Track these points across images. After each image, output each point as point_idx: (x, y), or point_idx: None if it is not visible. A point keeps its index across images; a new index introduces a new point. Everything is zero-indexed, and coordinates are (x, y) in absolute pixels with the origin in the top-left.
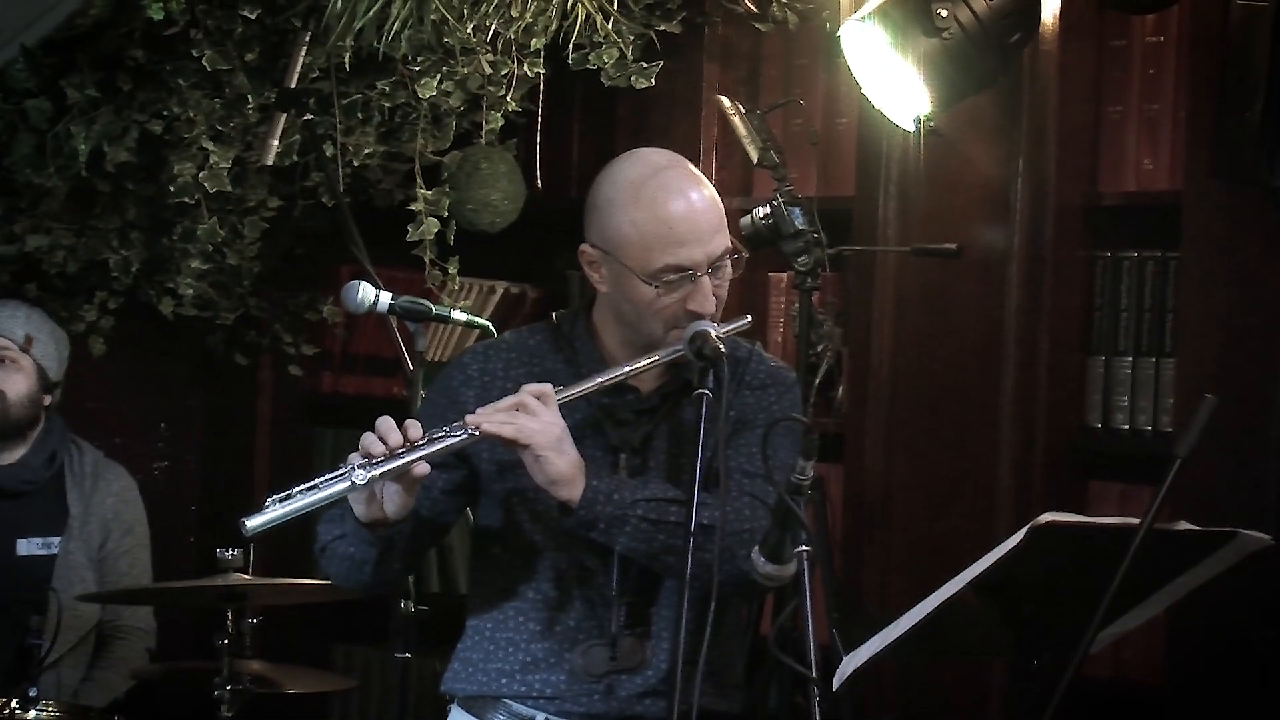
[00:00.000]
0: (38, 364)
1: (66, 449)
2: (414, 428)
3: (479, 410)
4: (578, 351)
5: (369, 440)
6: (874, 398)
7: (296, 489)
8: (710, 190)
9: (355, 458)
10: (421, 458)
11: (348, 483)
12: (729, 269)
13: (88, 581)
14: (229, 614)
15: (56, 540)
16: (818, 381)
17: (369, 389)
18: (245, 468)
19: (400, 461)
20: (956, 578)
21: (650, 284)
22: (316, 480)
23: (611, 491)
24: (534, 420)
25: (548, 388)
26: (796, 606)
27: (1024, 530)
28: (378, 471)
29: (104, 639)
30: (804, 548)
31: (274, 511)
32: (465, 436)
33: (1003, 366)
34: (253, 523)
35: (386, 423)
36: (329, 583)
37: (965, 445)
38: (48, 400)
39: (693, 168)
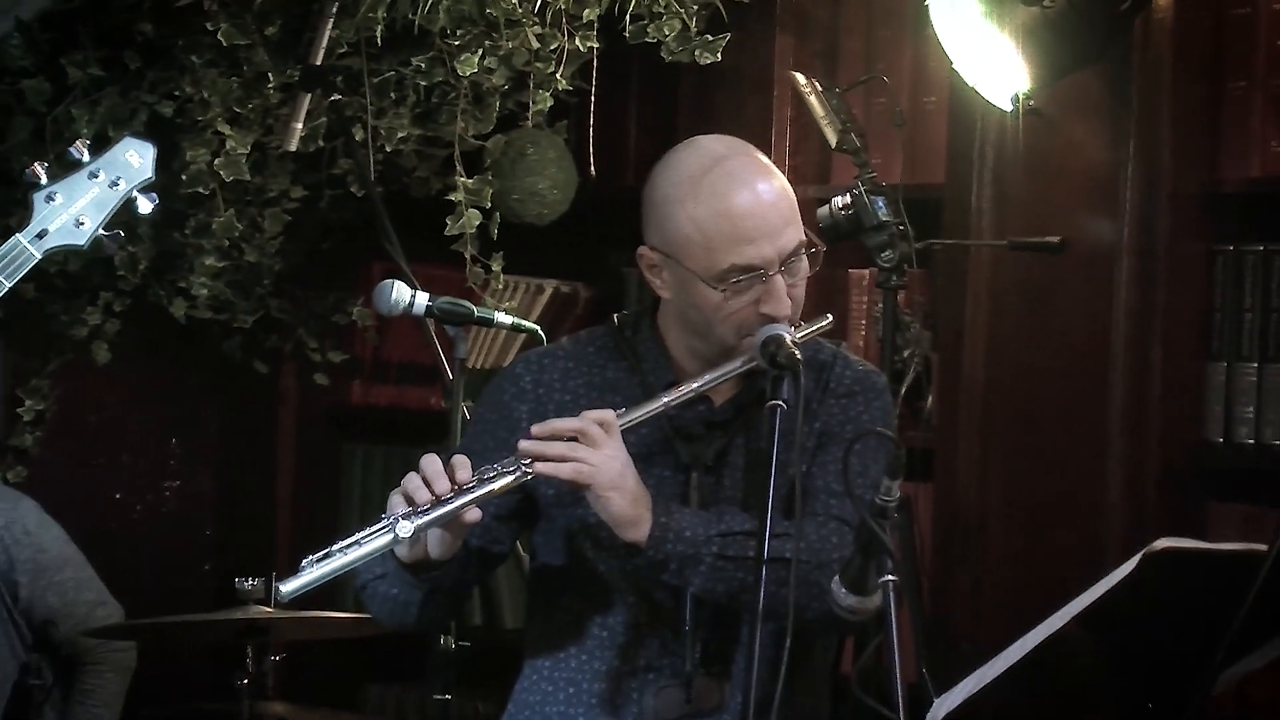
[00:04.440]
0: None
1: None
2: (463, 469)
3: (534, 439)
4: (642, 359)
5: (413, 485)
6: (967, 409)
7: (335, 546)
8: (779, 179)
9: (397, 502)
10: (470, 501)
11: (391, 535)
12: (805, 265)
13: (12, 637)
14: (249, 651)
15: None
16: (904, 391)
17: (403, 400)
18: (266, 487)
19: (448, 509)
20: (1061, 611)
21: (717, 287)
22: (357, 535)
23: (683, 529)
24: (594, 454)
25: (610, 415)
26: (881, 642)
27: (1137, 558)
28: (423, 521)
29: (73, 671)
30: (889, 577)
31: (312, 573)
32: (518, 474)
33: (1111, 374)
34: (288, 587)
35: (432, 465)
36: (360, 616)
37: (1069, 462)
38: None
39: (759, 155)
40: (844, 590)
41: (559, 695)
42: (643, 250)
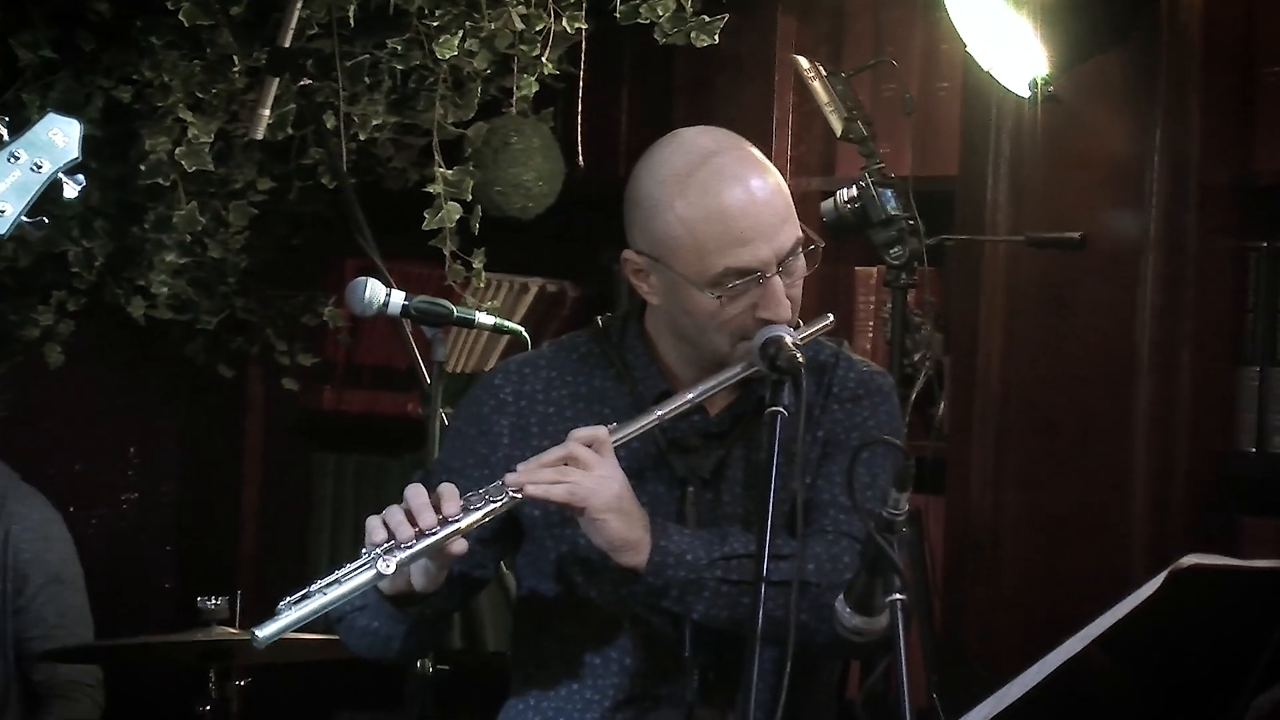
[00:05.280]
0: None
1: None
2: (450, 501)
3: (521, 468)
4: (631, 367)
5: (395, 520)
6: (981, 416)
7: (314, 586)
8: (773, 174)
9: (376, 526)
10: (457, 532)
11: (373, 572)
12: (803, 264)
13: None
14: (212, 675)
15: None
16: (914, 397)
17: (378, 406)
18: (231, 500)
19: (432, 540)
20: (1080, 633)
21: (710, 293)
22: (337, 574)
23: (684, 552)
24: (588, 476)
25: (601, 433)
26: (889, 665)
27: (1162, 576)
28: (407, 555)
29: (39, 700)
30: (898, 596)
31: (289, 616)
32: (506, 500)
33: (1136, 379)
34: (264, 633)
35: (418, 498)
36: (330, 638)
37: (1090, 474)
38: None
39: (750, 148)
40: (849, 610)
41: None
42: (627, 254)
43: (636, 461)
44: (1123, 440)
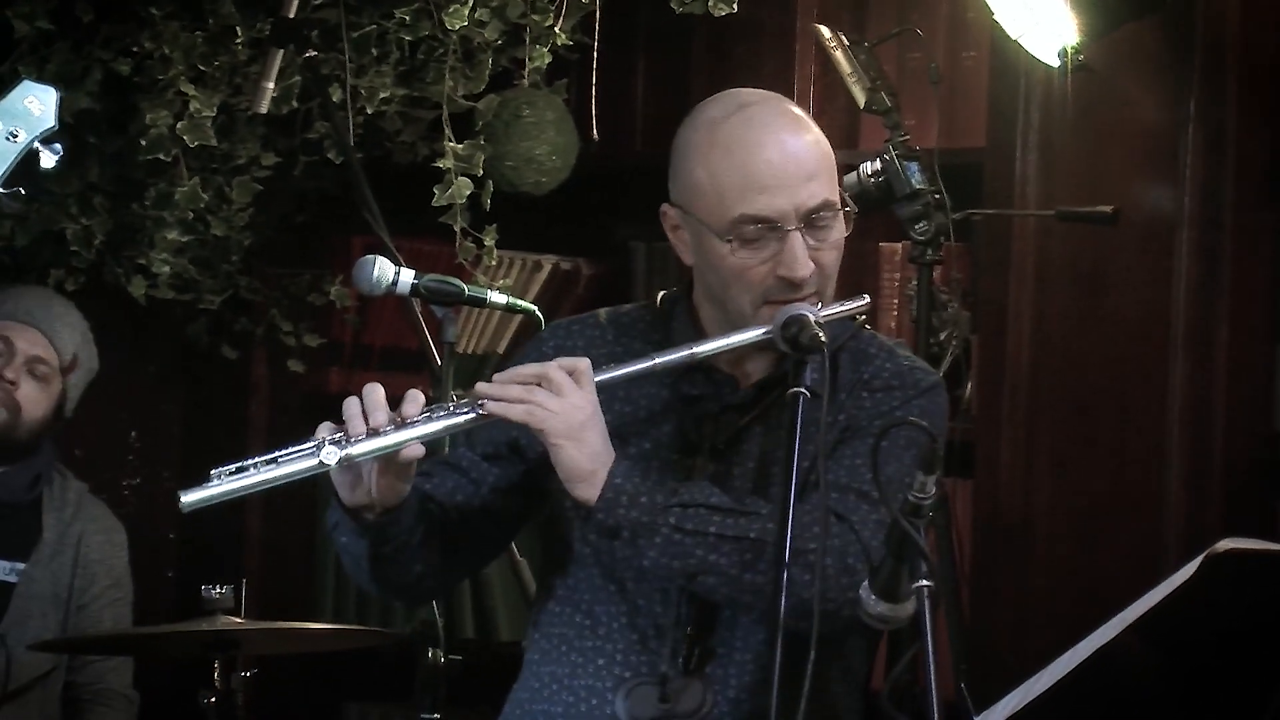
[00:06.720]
0: (66, 391)
1: (50, 475)
2: (411, 403)
3: (495, 377)
4: (672, 333)
5: (351, 411)
6: (1010, 397)
7: (250, 461)
8: (812, 133)
9: (326, 429)
10: (413, 438)
11: (315, 460)
12: (838, 229)
13: (48, 619)
14: (216, 665)
15: (20, 566)
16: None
17: (386, 389)
18: None
19: (383, 441)
20: (1113, 620)
21: (725, 239)
22: (278, 453)
23: (639, 493)
24: (553, 400)
25: (583, 363)
26: (915, 654)
27: (1198, 561)
28: (354, 450)
29: (78, 705)
30: (924, 582)
31: (220, 486)
32: (471, 415)
33: (1171, 359)
34: (189, 498)
35: (373, 395)
36: (338, 628)
37: (1124, 456)
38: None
39: (792, 107)
40: (874, 596)
41: (543, 691)
42: (664, 207)
43: (650, 423)
44: (1157, 422)
